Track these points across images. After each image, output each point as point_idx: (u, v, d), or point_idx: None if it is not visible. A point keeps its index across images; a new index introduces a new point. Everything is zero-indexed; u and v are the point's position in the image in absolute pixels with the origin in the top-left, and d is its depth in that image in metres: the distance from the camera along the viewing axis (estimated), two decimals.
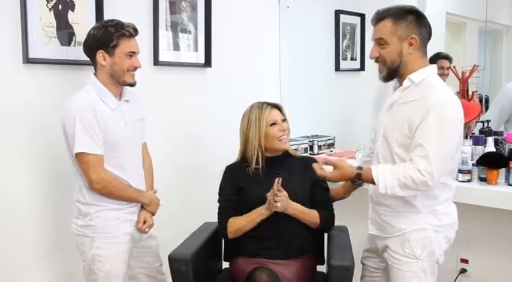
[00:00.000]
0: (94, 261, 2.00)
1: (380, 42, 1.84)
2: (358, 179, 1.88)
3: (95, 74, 2.01)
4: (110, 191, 1.97)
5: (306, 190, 2.15)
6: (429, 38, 1.86)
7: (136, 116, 2.12)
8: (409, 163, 1.75)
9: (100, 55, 1.96)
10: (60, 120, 1.96)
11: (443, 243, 1.91)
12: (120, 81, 2.00)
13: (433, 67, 1.88)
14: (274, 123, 2.14)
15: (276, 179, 2.02)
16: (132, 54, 1.99)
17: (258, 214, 2.08)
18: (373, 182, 1.81)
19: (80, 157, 1.92)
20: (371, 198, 2.02)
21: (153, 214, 2.14)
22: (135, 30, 2.00)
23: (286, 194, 2.05)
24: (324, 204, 2.18)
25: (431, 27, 1.87)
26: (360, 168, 1.88)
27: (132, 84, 2.04)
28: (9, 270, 2.18)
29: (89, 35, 2.01)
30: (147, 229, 2.11)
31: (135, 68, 2.02)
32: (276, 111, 2.17)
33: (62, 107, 1.97)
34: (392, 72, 1.86)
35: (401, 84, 1.86)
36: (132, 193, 2.05)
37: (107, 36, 1.94)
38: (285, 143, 2.17)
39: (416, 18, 1.81)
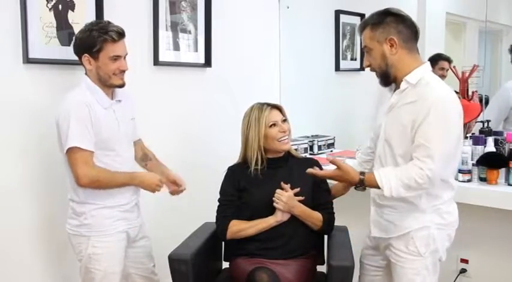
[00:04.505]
0: (90, 260, 2.00)
1: (366, 50, 1.90)
2: (360, 185, 1.87)
3: (86, 74, 2.01)
4: (98, 185, 1.94)
5: (307, 191, 2.14)
6: (414, 33, 1.87)
7: (128, 115, 2.12)
8: (411, 164, 1.76)
9: (85, 59, 1.96)
10: (54, 118, 1.96)
11: (446, 241, 1.92)
12: (107, 84, 1.99)
13: (427, 65, 1.88)
14: (274, 124, 2.14)
15: (285, 185, 2.07)
16: (117, 58, 1.96)
17: (266, 225, 2.09)
18: (377, 186, 1.81)
19: (70, 152, 1.91)
20: (373, 201, 2.01)
21: (153, 191, 2.06)
22: (120, 34, 1.96)
23: (292, 194, 2.06)
24: (325, 206, 2.19)
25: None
26: (362, 173, 1.86)
27: (121, 86, 2.03)
28: (5, 270, 2.18)
29: (75, 38, 2.01)
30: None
31: (122, 71, 2.00)
32: (276, 112, 2.17)
33: (56, 106, 1.97)
34: (385, 76, 1.89)
35: (398, 87, 1.88)
36: (121, 179, 2.00)
37: (91, 41, 1.93)
38: (286, 144, 2.17)
39: (394, 18, 1.84)
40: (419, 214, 1.86)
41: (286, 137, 2.16)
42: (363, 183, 1.85)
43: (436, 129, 1.73)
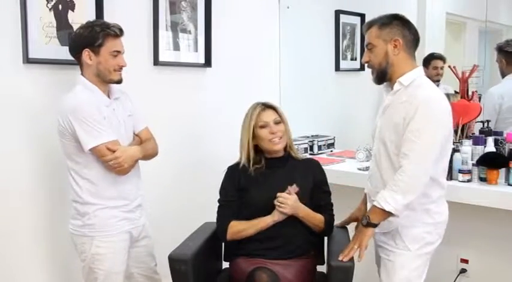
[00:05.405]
0: (94, 260, 2.00)
1: (369, 47, 1.97)
2: (369, 221, 1.87)
3: (82, 74, 2.02)
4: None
5: (306, 192, 2.14)
6: (415, 40, 1.95)
7: (126, 112, 2.12)
8: (396, 173, 1.82)
9: (86, 54, 1.97)
10: (60, 120, 1.94)
11: (435, 240, 1.96)
12: (106, 80, 2.01)
13: (420, 69, 1.96)
14: (264, 126, 2.13)
15: (290, 187, 2.06)
16: (117, 53, 1.99)
17: (265, 224, 2.08)
18: (382, 213, 1.84)
19: (94, 151, 1.93)
20: (368, 197, 2.08)
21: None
22: (121, 31, 2.01)
23: (296, 198, 2.06)
24: (326, 208, 2.19)
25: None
26: (365, 217, 1.89)
27: (119, 82, 2.04)
28: (7, 270, 2.19)
29: (75, 34, 2.03)
30: None
31: (121, 67, 2.02)
32: (269, 112, 2.16)
33: (59, 108, 1.96)
34: (382, 74, 1.96)
35: (392, 88, 1.94)
36: None
37: (93, 35, 1.95)
38: (277, 144, 2.14)
39: (401, 22, 1.94)
40: (409, 212, 1.89)
41: (277, 138, 2.14)
42: (371, 222, 1.87)
43: (422, 125, 1.80)
